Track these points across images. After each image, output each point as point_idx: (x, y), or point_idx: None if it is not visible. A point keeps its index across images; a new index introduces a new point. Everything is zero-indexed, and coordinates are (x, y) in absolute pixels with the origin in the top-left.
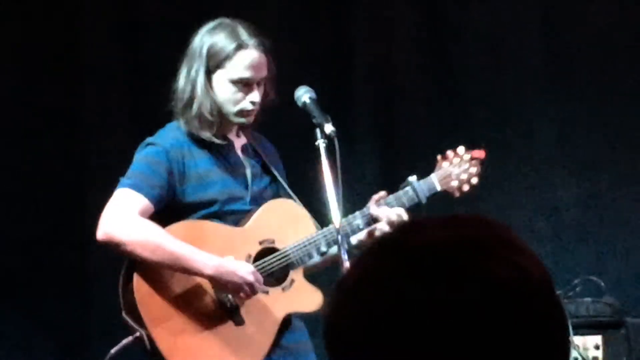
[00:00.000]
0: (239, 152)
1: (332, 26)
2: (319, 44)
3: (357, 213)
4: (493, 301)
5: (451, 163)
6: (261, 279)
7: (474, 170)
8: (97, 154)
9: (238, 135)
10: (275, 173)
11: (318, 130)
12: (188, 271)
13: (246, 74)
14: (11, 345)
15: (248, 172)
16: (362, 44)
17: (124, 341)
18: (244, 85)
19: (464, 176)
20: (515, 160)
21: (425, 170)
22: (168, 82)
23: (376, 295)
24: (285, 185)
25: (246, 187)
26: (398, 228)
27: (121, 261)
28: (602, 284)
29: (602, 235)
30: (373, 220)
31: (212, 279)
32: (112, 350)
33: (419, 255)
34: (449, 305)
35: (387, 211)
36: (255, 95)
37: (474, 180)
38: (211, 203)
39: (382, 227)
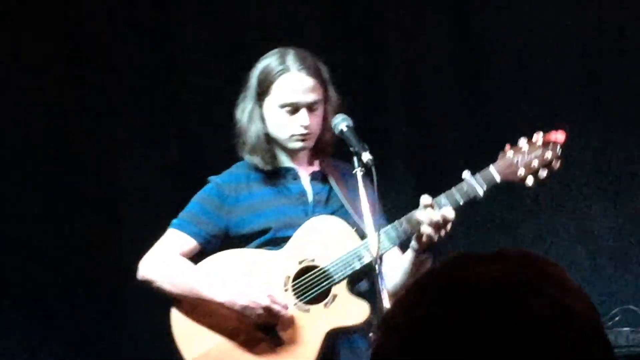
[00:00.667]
0: (305, 179)
1: (363, 48)
2: (350, 65)
3: (403, 218)
4: (538, 341)
5: (518, 151)
6: (281, 301)
7: (549, 155)
8: (132, 176)
9: (310, 164)
10: (343, 200)
11: (355, 159)
12: (204, 299)
13: (291, 97)
14: None
15: (310, 199)
16: (393, 62)
17: None
18: (292, 109)
19: (535, 163)
20: (552, 187)
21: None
22: (204, 103)
23: (421, 332)
24: (351, 212)
25: (307, 214)
26: (443, 264)
27: None
28: None
29: None
30: (418, 223)
31: (228, 306)
32: None
33: (464, 292)
34: (495, 344)
35: (430, 213)
36: (304, 119)
37: (555, 165)
38: (265, 231)
39: (424, 230)
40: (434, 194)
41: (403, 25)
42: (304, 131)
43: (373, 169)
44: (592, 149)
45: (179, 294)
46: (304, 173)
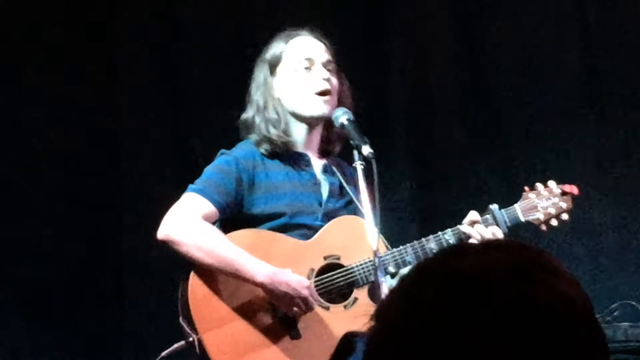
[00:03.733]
0: (317, 169)
1: (367, 48)
2: (353, 65)
3: (448, 230)
4: (534, 326)
5: (538, 195)
6: (316, 294)
7: (564, 205)
8: (134, 176)
9: (321, 155)
10: (352, 195)
11: (356, 152)
12: (240, 277)
13: (304, 53)
14: None
15: (325, 189)
16: (398, 65)
17: (176, 345)
18: (309, 65)
19: (552, 210)
20: None
21: (461, 192)
22: (206, 104)
23: (417, 321)
24: (360, 207)
25: (320, 204)
26: (438, 254)
27: (156, 280)
28: None
29: None
30: (466, 238)
31: (265, 288)
32: (163, 353)
33: (459, 281)
34: (490, 330)
35: (480, 229)
36: (323, 72)
37: (565, 217)
38: (279, 215)
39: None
40: (434, 187)
41: (406, 19)
42: (325, 85)
43: (374, 163)
44: (592, 145)
45: (211, 264)
46: (317, 162)
